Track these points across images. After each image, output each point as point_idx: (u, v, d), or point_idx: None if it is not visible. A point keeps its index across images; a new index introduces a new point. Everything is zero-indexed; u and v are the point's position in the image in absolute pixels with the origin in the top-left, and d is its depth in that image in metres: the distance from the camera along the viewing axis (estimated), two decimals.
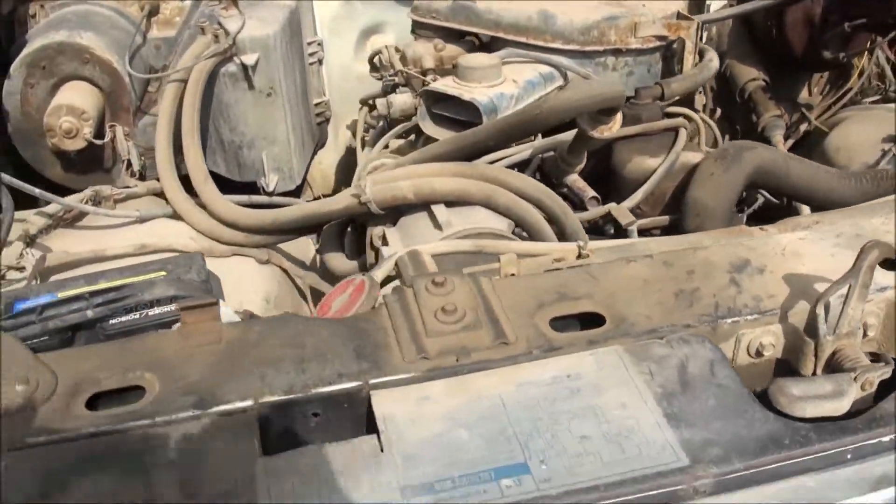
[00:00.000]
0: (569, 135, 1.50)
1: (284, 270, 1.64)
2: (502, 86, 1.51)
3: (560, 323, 0.88)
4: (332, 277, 1.65)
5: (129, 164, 2.06)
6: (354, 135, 2.25)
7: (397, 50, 1.95)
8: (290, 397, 0.81)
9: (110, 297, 1.04)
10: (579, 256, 1.03)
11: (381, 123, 1.96)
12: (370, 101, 2.07)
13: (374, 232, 1.47)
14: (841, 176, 1.46)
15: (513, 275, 0.97)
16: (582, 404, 0.78)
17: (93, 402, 0.82)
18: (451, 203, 1.36)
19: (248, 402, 0.80)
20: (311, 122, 2.28)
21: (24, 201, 1.65)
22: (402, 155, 1.77)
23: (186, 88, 1.87)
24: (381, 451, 0.75)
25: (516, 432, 0.75)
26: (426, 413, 0.78)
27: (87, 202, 1.83)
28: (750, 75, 2.02)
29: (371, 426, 0.79)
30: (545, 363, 0.83)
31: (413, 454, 0.74)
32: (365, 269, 1.62)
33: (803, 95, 2.17)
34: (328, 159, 2.61)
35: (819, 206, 1.44)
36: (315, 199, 2.35)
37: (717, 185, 1.37)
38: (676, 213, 1.45)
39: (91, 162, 2.04)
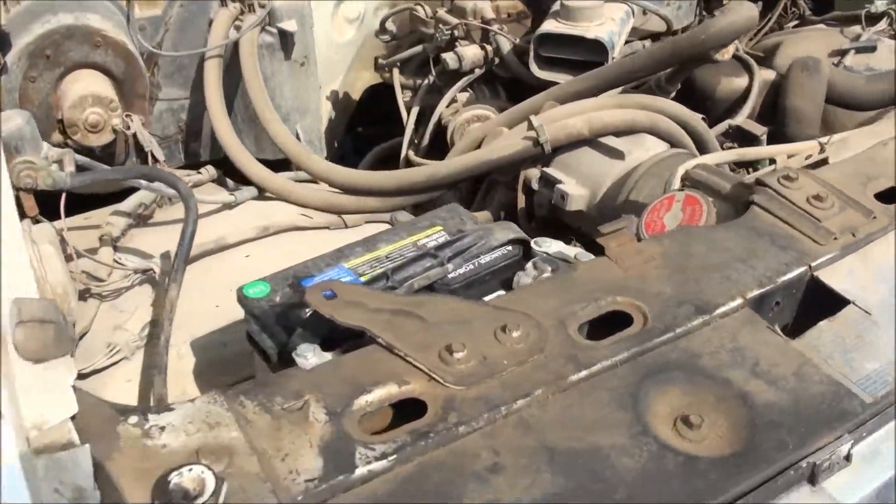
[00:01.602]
0: None
1: None
2: (606, 24, 1.62)
3: None
4: None
5: (153, 157, 1.90)
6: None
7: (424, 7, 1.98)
8: (762, 290, 0.91)
9: (456, 249, 1.04)
10: (822, 151, 1.20)
11: (425, 81, 1.98)
12: (396, 64, 2.06)
13: (529, 174, 1.54)
14: (869, 79, 1.75)
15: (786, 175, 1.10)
16: None
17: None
18: (618, 134, 1.47)
19: (738, 301, 0.89)
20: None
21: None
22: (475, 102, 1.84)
23: (244, 64, 1.77)
24: (869, 313, 0.88)
25: None
26: (871, 273, 0.93)
27: (158, 199, 1.69)
28: None
29: (823, 303, 0.92)
30: None
31: None
32: (498, 219, 1.68)
33: None
34: None
35: (856, 107, 1.71)
36: None
37: (811, 93, 1.61)
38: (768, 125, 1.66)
39: (102, 159, 1.86)
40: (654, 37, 1.82)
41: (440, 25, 1.92)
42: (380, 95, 2.30)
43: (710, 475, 0.72)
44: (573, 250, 1.06)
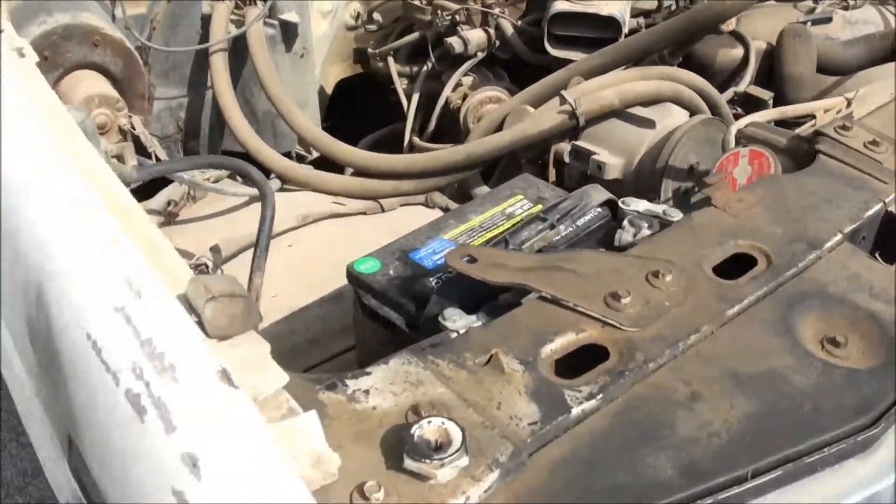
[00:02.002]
0: None
1: (446, 209, 1.67)
2: (617, 1, 1.70)
3: None
4: None
5: (156, 157, 1.87)
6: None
7: None
8: (854, 226, 0.99)
9: (561, 211, 1.08)
10: (848, 106, 1.31)
11: (424, 68, 2.01)
12: (390, 53, 2.08)
13: (560, 149, 1.60)
14: (845, 45, 1.89)
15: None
16: None
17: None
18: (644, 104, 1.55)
19: (838, 236, 0.97)
20: None
21: None
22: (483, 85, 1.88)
23: (256, 57, 1.76)
24: None
25: None
26: None
27: (186, 195, 1.66)
28: None
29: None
30: None
31: None
32: None
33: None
34: None
35: (835, 72, 1.85)
36: None
37: (806, 58, 1.73)
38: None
39: None
40: (646, 14, 1.90)
41: (439, 11, 1.96)
42: (351, 90, 2.32)
43: (873, 383, 0.79)
44: (659, 207, 1.12)
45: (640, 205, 1.13)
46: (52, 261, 0.77)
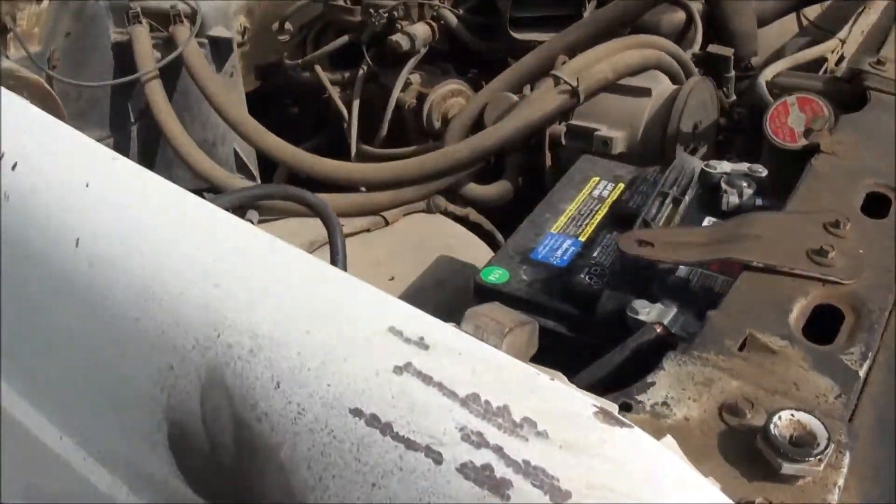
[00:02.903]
0: None
1: (448, 212, 1.57)
2: None
3: None
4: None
5: None
6: None
7: None
8: None
9: (675, 182, 1.04)
10: (842, 46, 1.38)
11: (359, 72, 1.88)
12: (316, 61, 1.93)
13: (555, 131, 1.55)
14: None
15: None
16: None
17: None
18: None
19: None
20: None
21: None
22: (432, 84, 1.80)
23: (203, 81, 1.56)
24: None
25: None
26: None
27: None
28: None
29: None
30: None
31: None
32: (517, 184, 1.66)
33: None
34: None
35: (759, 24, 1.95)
36: None
37: (748, 12, 1.78)
38: None
39: None
40: None
41: (371, 10, 1.84)
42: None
43: None
44: (741, 165, 1.12)
45: (725, 166, 1.12)
46: (249, 328, 0.61)
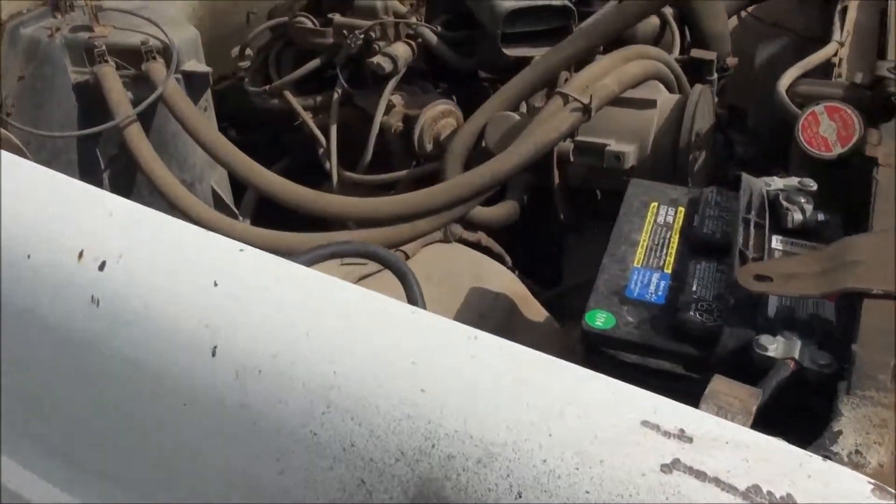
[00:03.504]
0: None
1: (462, 239, 1.52)
2: None
3: None
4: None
5: None
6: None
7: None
8: None
9: (751, 205, 1.03)
10: (842, 46, 1.43)
11: (334, 95, 1.79)
12: (287, 87, 1.83)
13: (563, 148, 1.53)
14: None
15: None
16: None
17: None
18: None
19: None
20: None
21: None
22: (416, 104, 1.74)
23: (190, 120, 1.44)
24: None
25: None
26: None
27: None
28: None
29: None
30: None
31: None
32: (522, 204, 1.63)
33: None
34: None
35: None
36: None
37: (720, 15, 1.82)
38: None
39: None
40: None
41: (345, 31, 1.76)
42: None
43: None
44: (791, 180, 1.13)
45: (777, 182, 1.13)
46: (475, 435, 0.55)
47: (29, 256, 0.73)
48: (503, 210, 1.61)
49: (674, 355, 0.89)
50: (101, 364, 0.69)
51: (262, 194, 1.46)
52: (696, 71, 1.77)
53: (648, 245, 1.05)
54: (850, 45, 1.50)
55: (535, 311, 1.40)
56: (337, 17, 1.79)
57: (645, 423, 0.54)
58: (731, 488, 0.52)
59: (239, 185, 1.85)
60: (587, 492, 0.53)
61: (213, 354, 0.63)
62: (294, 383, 0.61)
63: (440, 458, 0.56)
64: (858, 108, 1.25)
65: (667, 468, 0.53)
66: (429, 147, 1.71)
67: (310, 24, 1.81)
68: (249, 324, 0.63)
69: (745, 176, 1.10)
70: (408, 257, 1.44)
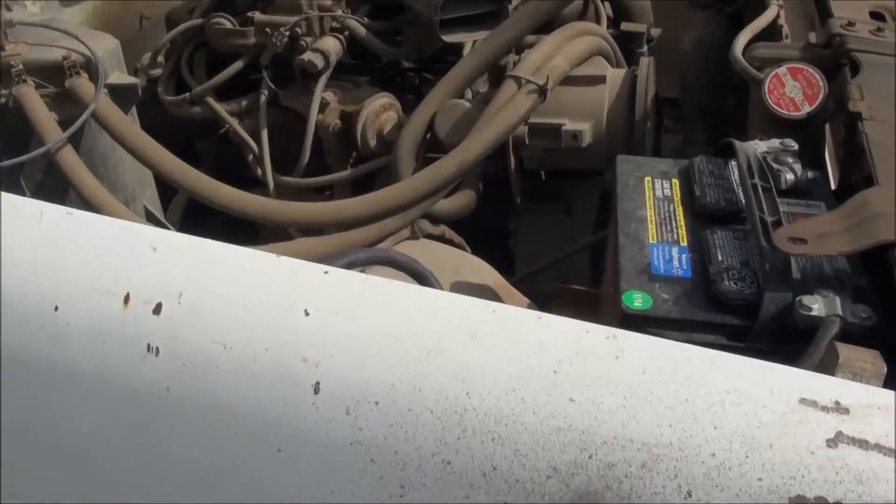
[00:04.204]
0: None
1: (430, 234, 1.48)
2: None
3: None
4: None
5: None
6: None
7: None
8: None
9: (757, 173, 1.04)
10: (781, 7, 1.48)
11: (262, 97, 1.69)
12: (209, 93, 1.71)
13: (518, 132, 1.51)
14: None
15: None
16: None
17: None
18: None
19: None
20: None
21: None
22: (352, 100, 1.68)
23: (121, 133, 1.33)
24: None
25: None
26: None
27: None
28: None
29: None
30: None
31: None
32: (477, 191, 1.60)
33: None
34: None
35: None
36: None
37: None
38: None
39: None
40: None
41: (268, 30, 1.67)
42: None
43: None
44: (772, 142, 1.16)
45: (760, 145, 1.16)
46: (636, 439, 0.53)
47: (56, 308, 0.64)
48: (461, 201, 1.58)
49: (716, 327, 0.90)
50: (167, 419, 0.62)
51: (221, 209, 1.35)
52: (626, 43, 1.80)
53: (657, 220, 1.05)
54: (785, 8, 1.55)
55: (517, 299, 1.38)
56: (258, 16, 1.70)
57: (803, 401, 0.53)
58: (891, 451, 0.52)
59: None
60: (759, 479, 0.52)
61: (316, 391, 0.58)
62: (420, 411, 0.56)
63: (599, 467, 0.53)
64: (818, 67, 1.30)
65: (832, 442, 0.52)
66: (372, 143, 1.66)
67: (228, 25, 1.71)
68: (355, 352, 0.58)
69: (735, 142, 1.12)
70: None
